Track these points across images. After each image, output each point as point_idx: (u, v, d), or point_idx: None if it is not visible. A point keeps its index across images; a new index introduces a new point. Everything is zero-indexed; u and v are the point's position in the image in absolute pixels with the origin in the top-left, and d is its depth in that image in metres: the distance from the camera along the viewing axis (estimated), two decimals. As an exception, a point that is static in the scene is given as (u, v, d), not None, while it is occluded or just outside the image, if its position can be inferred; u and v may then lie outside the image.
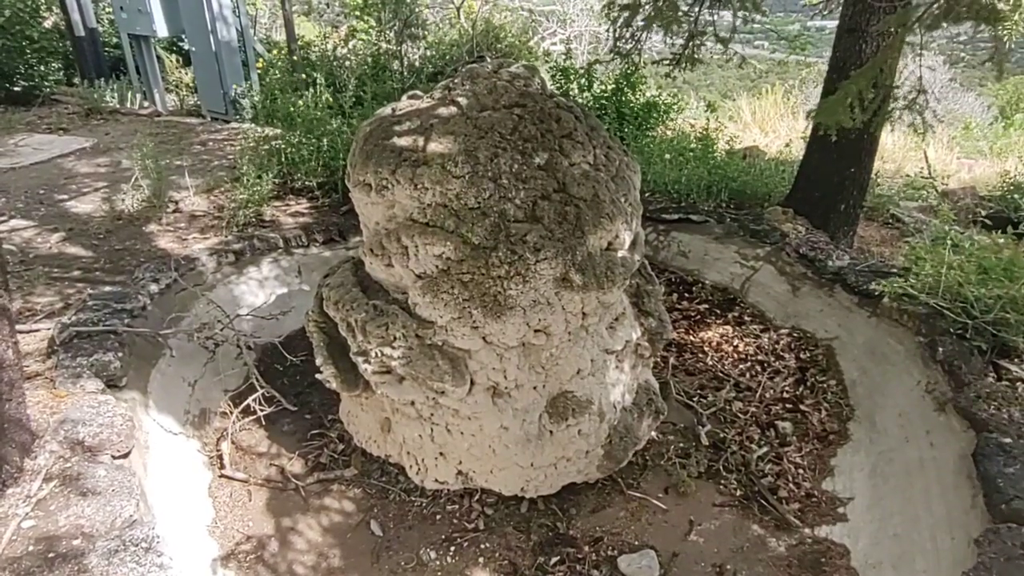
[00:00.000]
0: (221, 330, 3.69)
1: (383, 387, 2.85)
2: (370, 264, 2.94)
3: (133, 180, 5.14)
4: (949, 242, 3.35)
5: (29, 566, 2.13)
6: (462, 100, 2.86)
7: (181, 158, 6.27)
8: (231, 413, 3.70)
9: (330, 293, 3.05)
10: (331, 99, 6.08)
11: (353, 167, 2.97)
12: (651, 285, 3.44)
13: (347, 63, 8.19)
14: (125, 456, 2.65)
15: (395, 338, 2.73)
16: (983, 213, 5.59)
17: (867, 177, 4.79)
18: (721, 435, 3.68)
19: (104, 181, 5.71)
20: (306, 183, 5.45)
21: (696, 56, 7.16)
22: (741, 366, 4.24)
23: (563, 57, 7.83)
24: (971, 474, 2.77)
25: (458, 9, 10.81)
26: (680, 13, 5.55)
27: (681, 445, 3.64)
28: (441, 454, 3.03)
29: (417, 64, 9.24)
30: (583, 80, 7.44)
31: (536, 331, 2.75)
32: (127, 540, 2.24)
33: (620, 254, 2.96)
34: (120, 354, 3.05)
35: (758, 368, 4.20)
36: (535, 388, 2.91)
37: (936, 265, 3.46)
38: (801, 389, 3.96)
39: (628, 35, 7.05)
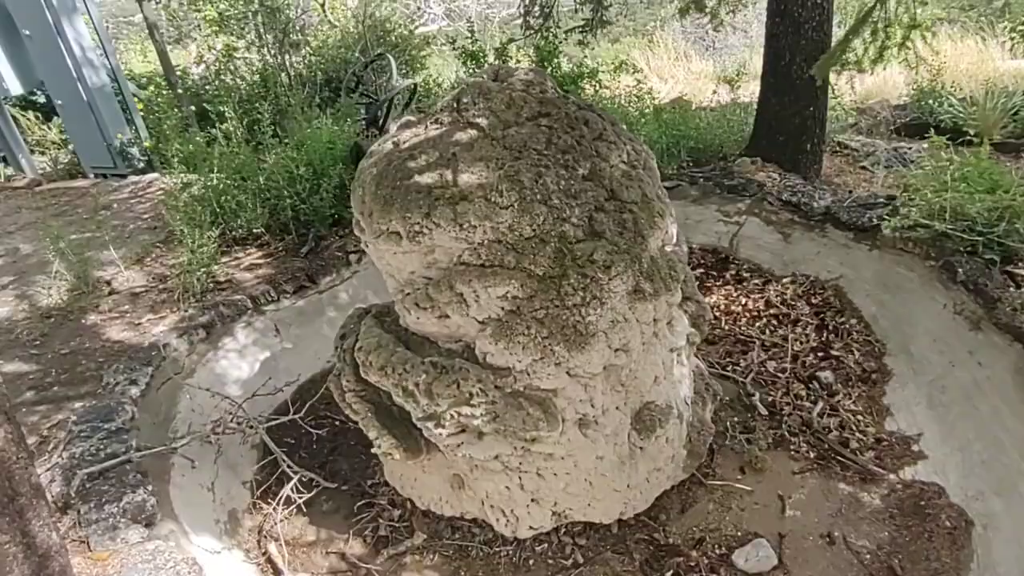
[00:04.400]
0: (232, 420, 3.27)
1: (464, 448, 2.58)
2: (416, 319, 2.63)
3: (54, 269, 4.45)
4: (951, 166, 3.42)
5: None
6: (481, 120, 2.58)
7: (89, 229, 5.52)
8: (258, 506, 3.31)
9: (370, 359, 2.71)
10: (246, 133, 5.51)
11: (368, 216, 2.64)
12: (686, 268, 3.32)
13: (238, 85, 7.50)
14: (200, 606, 2.27)
15: (471, 395, 2.46)
16: (904, 121, 5.85)
17: (824, 113, 4.88)
18: (770, 399, 3.66)
19: (7, 275, 4.94)
20: (252, 230, 4.93)
21: (605, 19, 7.05)
22: (757, 324, 4.23)
23: (469, 40, 7.49)
24: (1037, 386, 2.86)
25: (322, 5, 10.13)
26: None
27: (736, 419, 3.60)
28: (533, 500, 2.81)
29: (304, 73, 8.66)
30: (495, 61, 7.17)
31: (616, 351, 2.56)
32: None
33: (669, 249, 2.82)
34: (150, 487, 2.61)
35: (775, 323, 4.21)
36: (618, 408, 2.73)
37: (937, 190, 3.54)
38: (825, 335, 4.00)
39: (537, 10, 6.83)
